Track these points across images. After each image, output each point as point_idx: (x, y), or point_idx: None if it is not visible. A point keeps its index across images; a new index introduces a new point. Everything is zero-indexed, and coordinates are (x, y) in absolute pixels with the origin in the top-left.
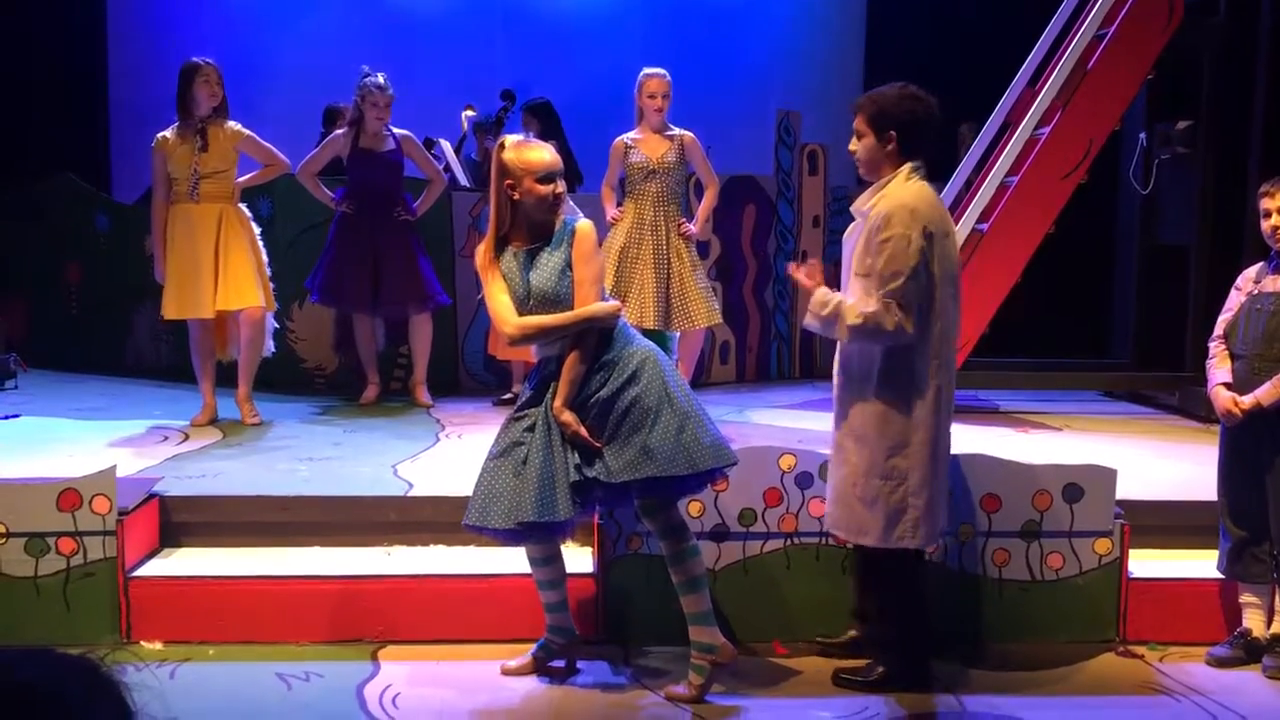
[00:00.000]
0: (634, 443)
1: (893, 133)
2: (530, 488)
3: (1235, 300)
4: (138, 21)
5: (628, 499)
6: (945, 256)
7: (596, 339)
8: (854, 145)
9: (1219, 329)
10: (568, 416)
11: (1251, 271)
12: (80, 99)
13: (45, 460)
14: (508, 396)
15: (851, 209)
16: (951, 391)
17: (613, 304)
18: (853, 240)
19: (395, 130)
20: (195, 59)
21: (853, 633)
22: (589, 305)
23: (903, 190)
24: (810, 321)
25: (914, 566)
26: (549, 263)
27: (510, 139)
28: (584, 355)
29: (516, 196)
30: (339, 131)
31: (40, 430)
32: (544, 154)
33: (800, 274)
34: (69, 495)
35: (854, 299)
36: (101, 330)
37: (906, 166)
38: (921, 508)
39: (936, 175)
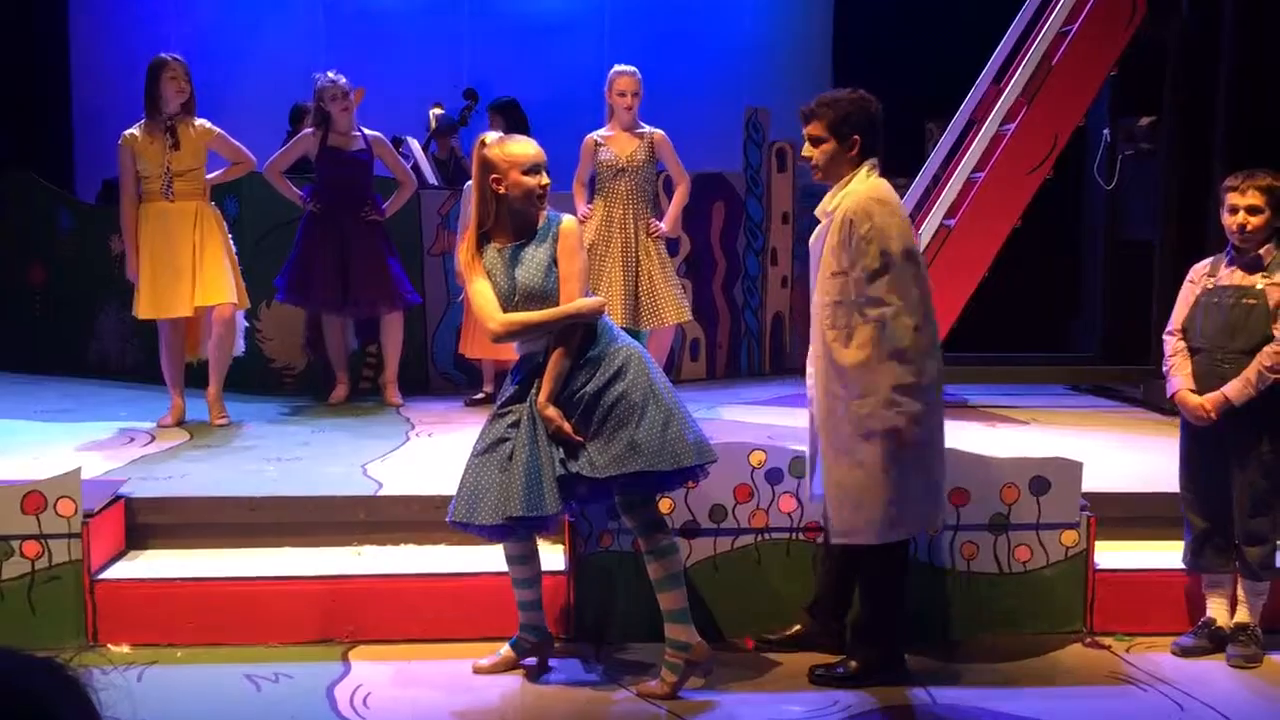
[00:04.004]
0: (620, 438)
1: (856, 136)
2: (517, 482)
3: (1189, 293)
4: (100, 18)
5: (609, 495)
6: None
7: (581, 335)
8: (809, 151)
9: (1175, 323)
10: (552, 412)
11: (1204, 265)
12: (42, 96)
13: (9, 462)
14: (479, 396)
15: (816, 213)
16: (942, 375)
17: (597, 299)
18: (820, 243)
19: (366, 131)
20: (163, 55)
21: (798, 627)
22: (574, 301)
23: (864, 186)
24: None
25: (902, 560)
26: (534, 259)
27: (490, 136)
28: (569, 351)
29: (502, 191)
30: (308, 130)
31: (3, 432)
32: (528, 146)
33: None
34: (33, 498)
35: (828, 296)
36: (65, 331)
37: (866, 164)
38: (931, 494)
39: (903, 172)
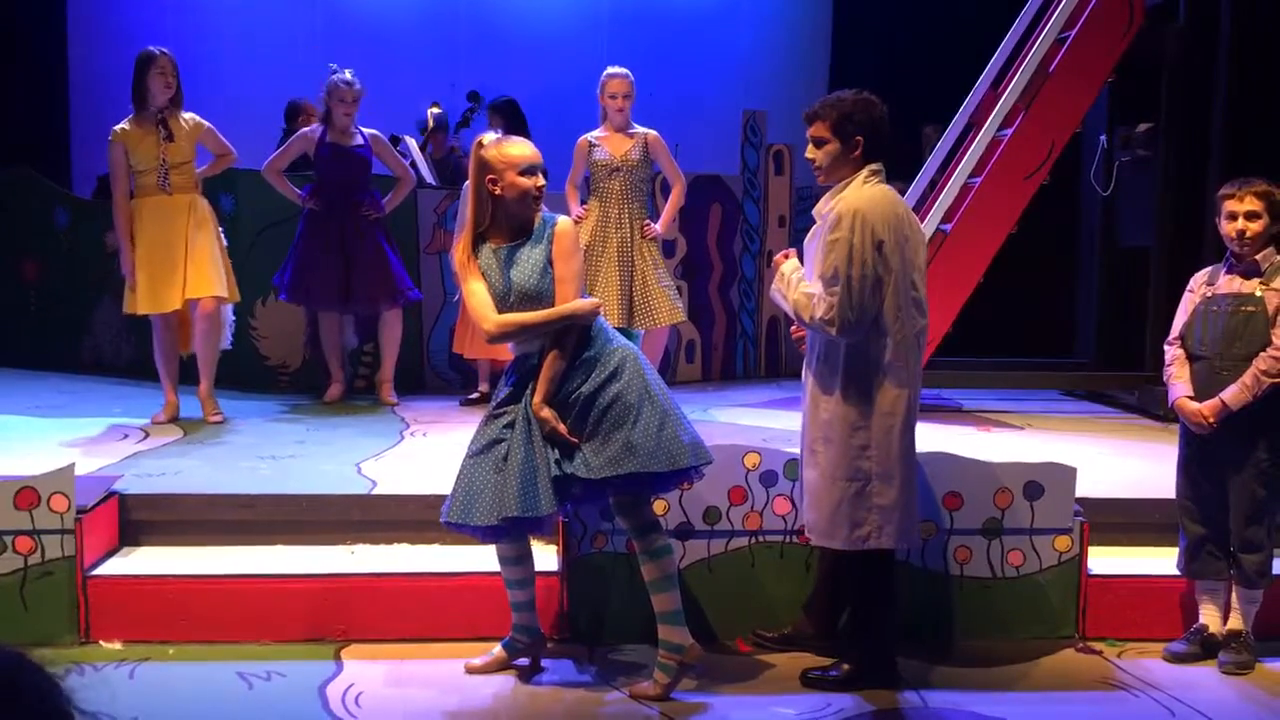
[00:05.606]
0: (616, 439)
1: (859, 138)
2: (512, 483)
3: (1188, 302)
4: (99, 12)
5: (604, 495)
6: (905, 261)
7: (577, 336)
8: (813, 153)
9: (1175, 331)
10: (546, 413)
11: (1203, 274)
12: (40, 91)
13: (2, 458)
14: (474, 396)
15: (813, 213)
16: (917, 394)
17: (593, 301)
18: (813, 245)
19: (364, 130)
20: (150, 48)
21: (787, 630)
22: (569, 302)
23: (858, 194)
24: (772, 288)
25: (884, 567)
26: (530, 259)
27: (488, 136)
28: (564, 352)
29: (498, 192)
30: (306, 129)
31: None
32: (525, 148)
33: (779, 255)
34: (26, 494)
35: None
36: (60, 327)
37: (865, 170)
38: (887, 509)
39: (900, 176)
